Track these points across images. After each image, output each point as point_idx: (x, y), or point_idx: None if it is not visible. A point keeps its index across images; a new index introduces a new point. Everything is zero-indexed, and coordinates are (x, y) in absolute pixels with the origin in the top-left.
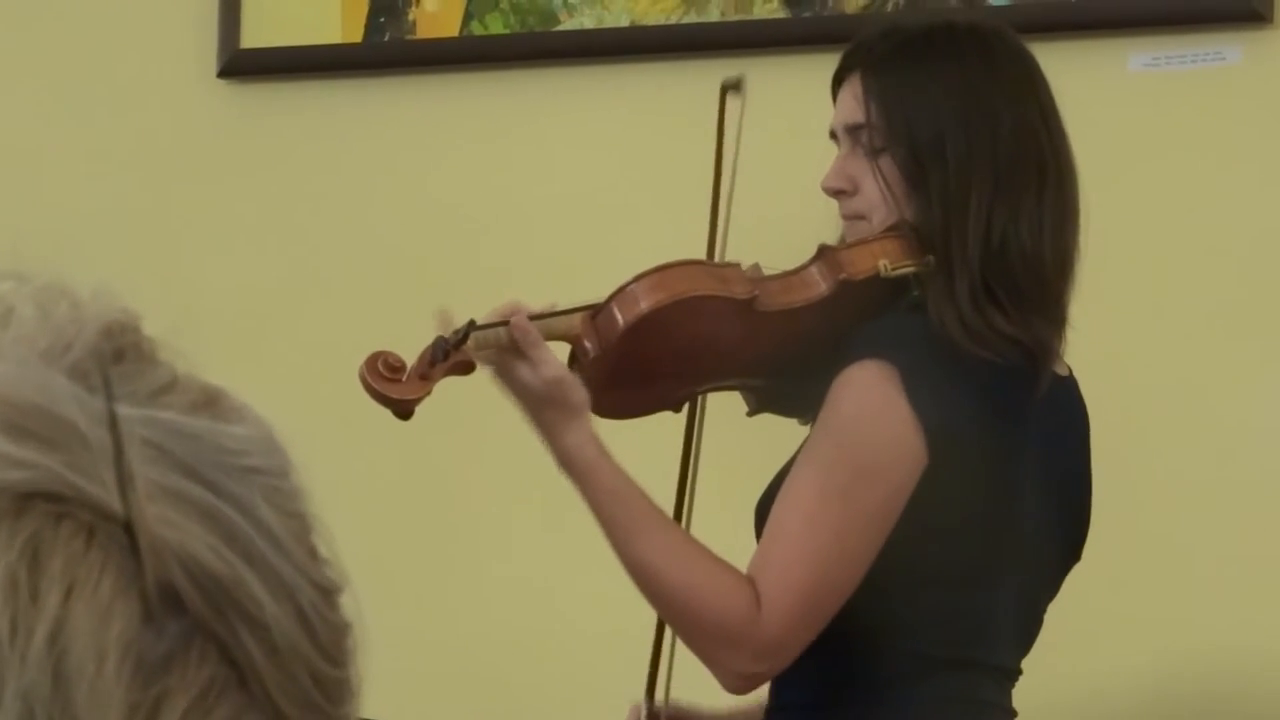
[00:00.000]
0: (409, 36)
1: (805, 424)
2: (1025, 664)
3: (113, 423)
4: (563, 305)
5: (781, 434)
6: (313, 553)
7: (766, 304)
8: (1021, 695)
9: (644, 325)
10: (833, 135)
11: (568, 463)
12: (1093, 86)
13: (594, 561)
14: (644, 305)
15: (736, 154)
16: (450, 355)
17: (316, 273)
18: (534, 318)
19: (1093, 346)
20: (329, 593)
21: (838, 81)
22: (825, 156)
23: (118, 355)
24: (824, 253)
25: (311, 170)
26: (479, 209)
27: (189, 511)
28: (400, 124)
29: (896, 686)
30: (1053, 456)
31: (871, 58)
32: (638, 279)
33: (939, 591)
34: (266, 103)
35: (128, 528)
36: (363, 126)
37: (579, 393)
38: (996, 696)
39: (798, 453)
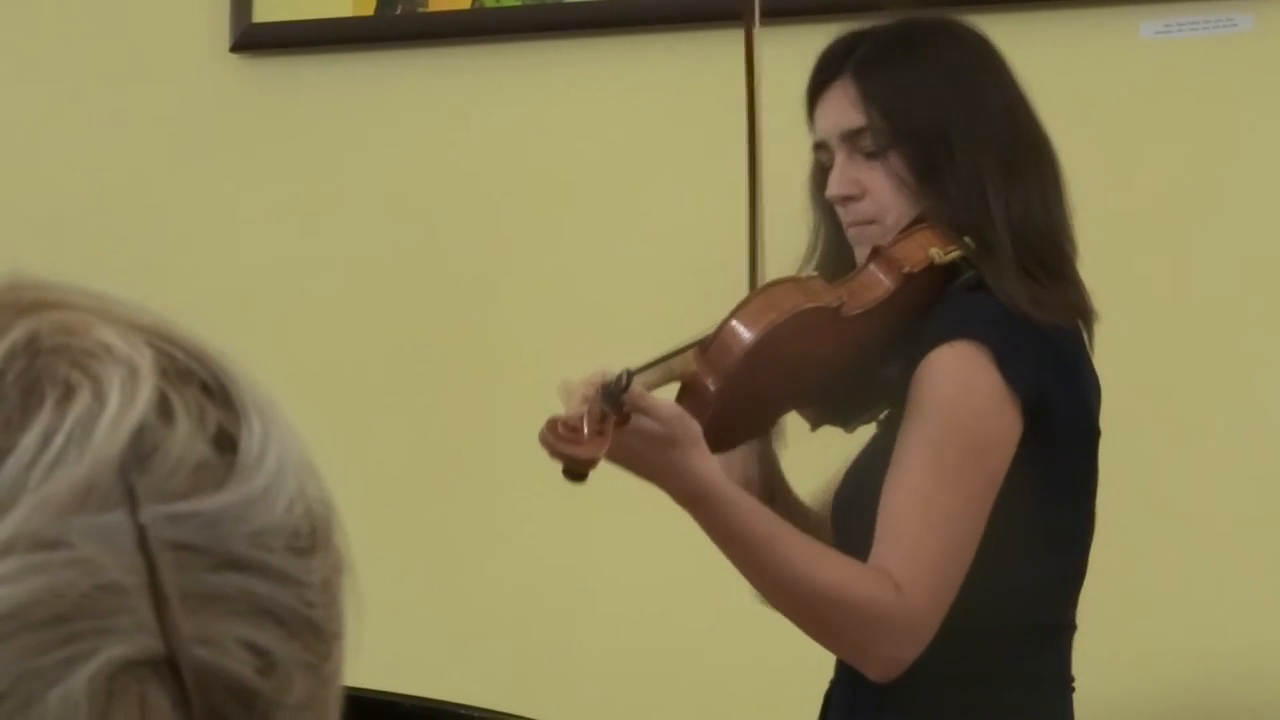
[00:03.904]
0: (421, 9)
1: (850, 431)
2: None
3: (142, 541)
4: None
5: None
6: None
7: (850, 309)
8: None
9: (759, 349)
10: (821, 146)
11: (701, 491)
12: (1104, 54)
13: (611, 540)
14: (757, 329)
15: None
16: (622, 407)
17: (330, 246)
18: (642, 369)
19: (1100, 318)
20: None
21: (815, 93)
22: None
23: (142, 458)
24: (878, 252)
25: (324, 144)
26: (492, 181)
27: (221, 609)
28: (412, 97)
29: (992, 662)
30: None
31: (855, 62)
32: (741, 307)
33: (1043, 555)
34: (279, 77)
35: (171, 664)
36: (375, 100)
37: (695, 423)
38: (1070, 666)
39: (867, 451)
